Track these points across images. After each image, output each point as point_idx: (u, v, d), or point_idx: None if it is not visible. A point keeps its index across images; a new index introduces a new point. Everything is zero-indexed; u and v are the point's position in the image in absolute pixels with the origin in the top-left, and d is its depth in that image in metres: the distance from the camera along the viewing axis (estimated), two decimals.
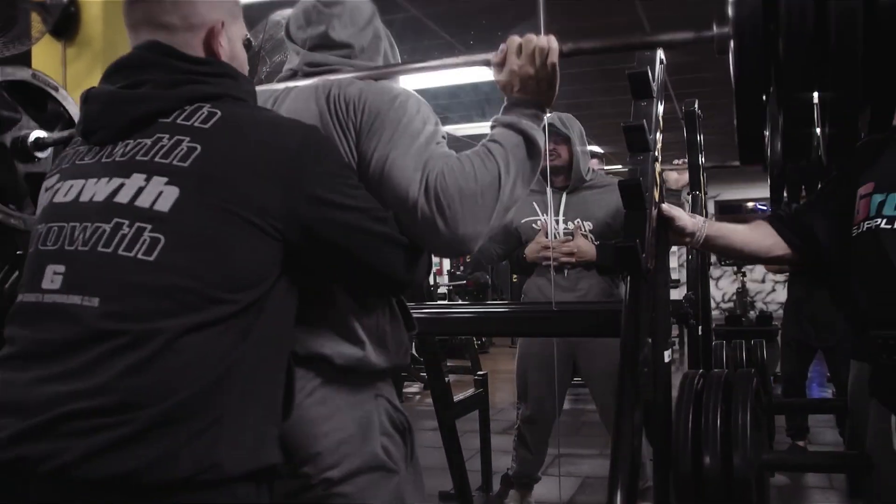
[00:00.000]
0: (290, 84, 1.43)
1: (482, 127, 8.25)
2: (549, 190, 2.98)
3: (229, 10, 1.27)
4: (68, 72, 2.51)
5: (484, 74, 6.03)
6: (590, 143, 9.60)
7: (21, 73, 1.89)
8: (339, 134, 1.32)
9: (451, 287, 10.17)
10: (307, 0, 1.49)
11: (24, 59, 2.59)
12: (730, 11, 1.15)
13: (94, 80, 2.46)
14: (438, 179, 1.24)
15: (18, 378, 1.04)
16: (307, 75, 1.46)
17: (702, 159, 2.85)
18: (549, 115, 3.04)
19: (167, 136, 1.11)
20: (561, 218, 3.09)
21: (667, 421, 1.68)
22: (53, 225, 1.14)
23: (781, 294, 6.39)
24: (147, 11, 1.21)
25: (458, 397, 3.16)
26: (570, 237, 3.04)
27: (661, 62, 1.83)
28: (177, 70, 1.17)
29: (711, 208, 10.61)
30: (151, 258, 1.04)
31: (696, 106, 2.82)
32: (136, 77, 1.17)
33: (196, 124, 1.12)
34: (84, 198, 1.12)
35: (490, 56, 1.41)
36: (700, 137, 2.85)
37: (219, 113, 1.13)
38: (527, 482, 3.29)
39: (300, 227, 1.13)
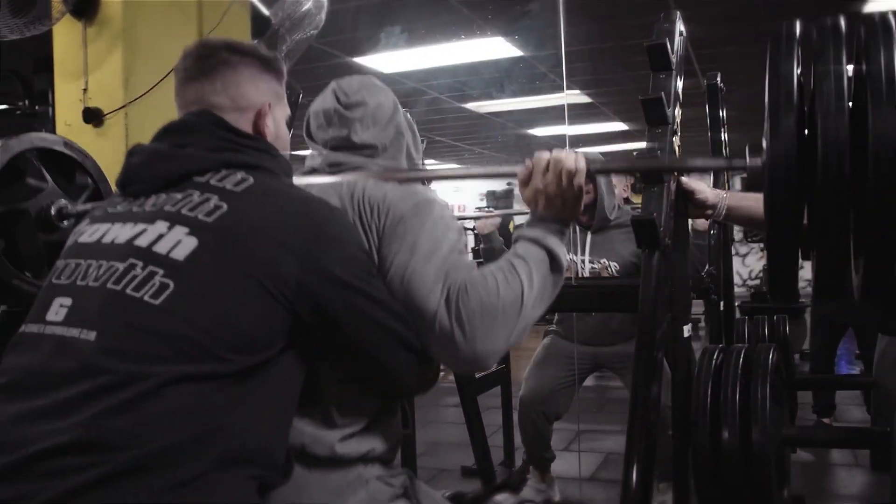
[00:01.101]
0: (311, 180, 1.41)
1: (501, 104, 8.21)
2: (577, 228, 2.97)
3: (275, 92, 1.32)
4: (89, 51, 2.53)
5: (502, 51, 5.98)
6: (615, 121, 9.43)
7: (52, 141, 1.89)
8: (362, 235, 1.30)
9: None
10: (327, 101, 1.47)
11: (46, 39, 2.62)
12: (764, 145, 1.09)
13: (115, 60, 2.50)
14: (461, 292, 1.20)
15: (1, 412, 1.02)
16: (329, 174, 1.44)
17: (724, 136, 2.81)
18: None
19: (198, 192, 1.13)
20: (587, 257, 3.08)
21: (686, 396, 1.68)
22: (71, 261, 1.16)
23: (808, 271, 6.29)
24: (199, 92, 1.25)
25: (479, 374, 3.17)
26: (598, 276, 3.04)
27: (681, 34, 1.81)
28: (221, 138, 1.20)
29: (738, 185, 10.54)
30: (157, 302, 1.04)
31: (719, 80, 2.77)
32: (181, 138, 1.20)
33: (228, 187, 1.13)
34: (107, 239, 1.14)
35: (516, 169, 1.37)
36: (723, 112, 2.81)
37: (251, 180, 1.15)
38: (542, 462, 3.30)
39: (310, 300, 1.11)
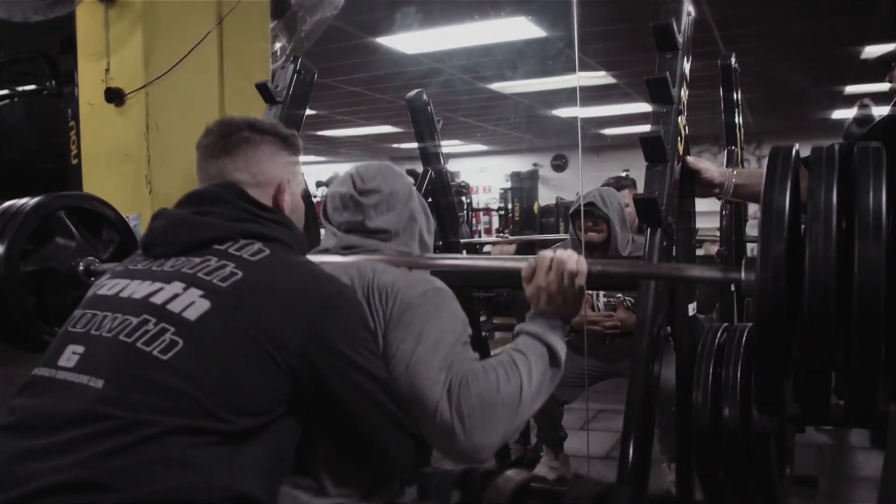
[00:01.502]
0: (325, 258, 1.44)
1: (516, 85, 8.22)
2: None
3: (293, 168, 1.39)
4: (110, 32, 2.58)
5: (517, 33, 5.95)
6: (639, 101, 9.27)
7: (81, 199, 1.97)
8: (369, 318, 1.33)
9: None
10: (344, 186, 1.51)
11: (72, 21, 2.67)
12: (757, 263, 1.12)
13: (136, 41, 2.55)
14: (462, 385, 1.24)
15: (4, 450, 1.05)
16: (341, 255, 1.48)
17: (738, 119, 2.79)
18: (590, 190, 2.99)
19: (215, 259, 1.19)
20: (602, 291, 3.06)
21: (690, 374, 1.69)
22: (88, 311, 1.21)
23: None
24: (220, 169, 1.32)
25: (495, 352, 3.19)
26: (613, 310, 3.04)
27: (689, 14, 1.81)
28: (243, 209, 1.26)
29: (753, 163, 10.41)
30: (165, 357, 1.08)
31: (733, 60, 2.76)
32: (205, 207, 1.26)
33: (245, 256, 1.20)
34: (124, 294, 1.20)
35: (521, 265, 1.42)
36: (737, 95, 2.79)
37: (267, 251, 1.21)
38: (554, 441, 3.33)
39: (311, 370, 1.15)
